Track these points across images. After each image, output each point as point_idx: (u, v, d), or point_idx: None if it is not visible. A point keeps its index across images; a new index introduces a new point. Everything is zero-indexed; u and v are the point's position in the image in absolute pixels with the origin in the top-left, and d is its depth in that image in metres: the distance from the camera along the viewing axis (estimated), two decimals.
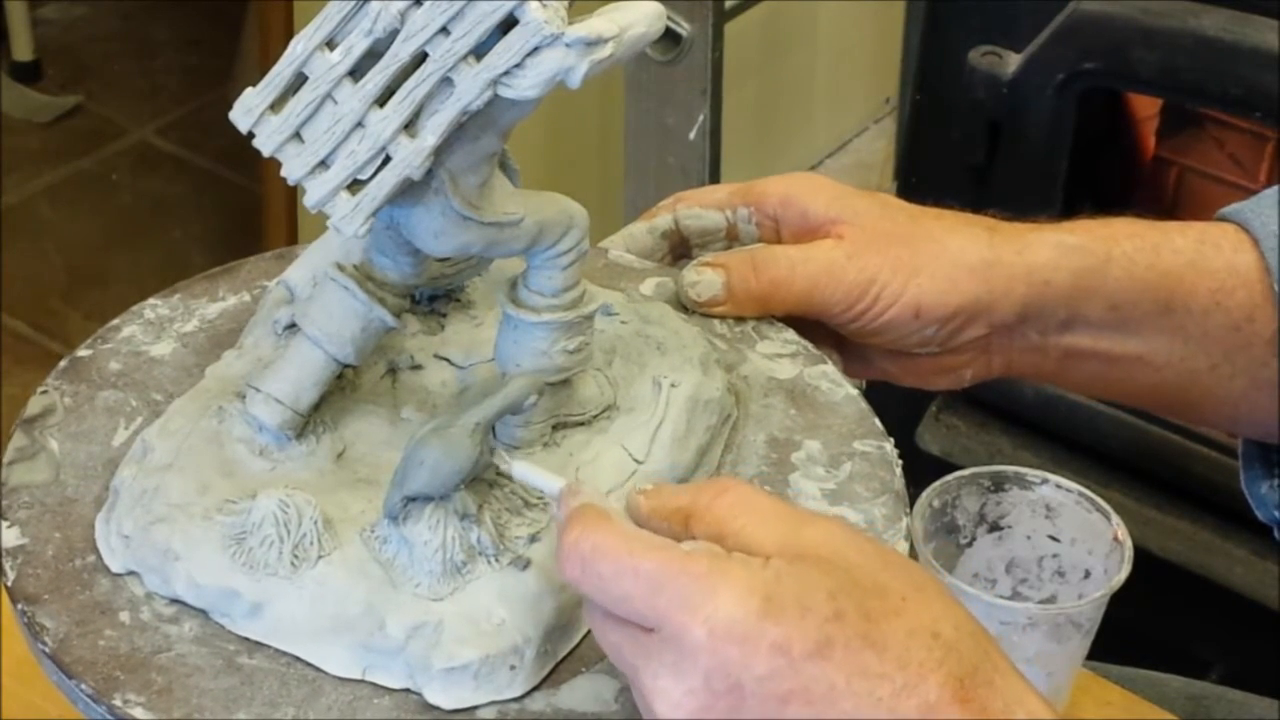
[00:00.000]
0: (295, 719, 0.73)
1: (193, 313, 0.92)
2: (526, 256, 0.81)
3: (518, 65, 0.71)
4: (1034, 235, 0.94)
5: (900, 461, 0.86)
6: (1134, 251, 0.94)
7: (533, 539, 0.77)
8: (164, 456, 0.81)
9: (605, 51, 0.72)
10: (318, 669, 0.75)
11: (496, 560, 0.76)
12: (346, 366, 0.82)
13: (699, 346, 0.88)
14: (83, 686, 0.74)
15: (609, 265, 0.96)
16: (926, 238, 0.93)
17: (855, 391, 0.89)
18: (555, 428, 0.84)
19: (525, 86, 0.72)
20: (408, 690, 0.75)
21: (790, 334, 0.93)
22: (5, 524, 0.81)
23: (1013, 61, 1.65)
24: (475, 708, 0.74)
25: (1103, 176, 1.76)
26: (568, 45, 0.71)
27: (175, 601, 0.77)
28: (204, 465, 0.80)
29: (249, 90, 0.75)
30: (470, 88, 0.72)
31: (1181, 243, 0.94)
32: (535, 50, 0.71)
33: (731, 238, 0.97)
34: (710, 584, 0.66)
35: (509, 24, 0.72)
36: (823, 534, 0.70)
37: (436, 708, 0.74)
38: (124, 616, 0.77)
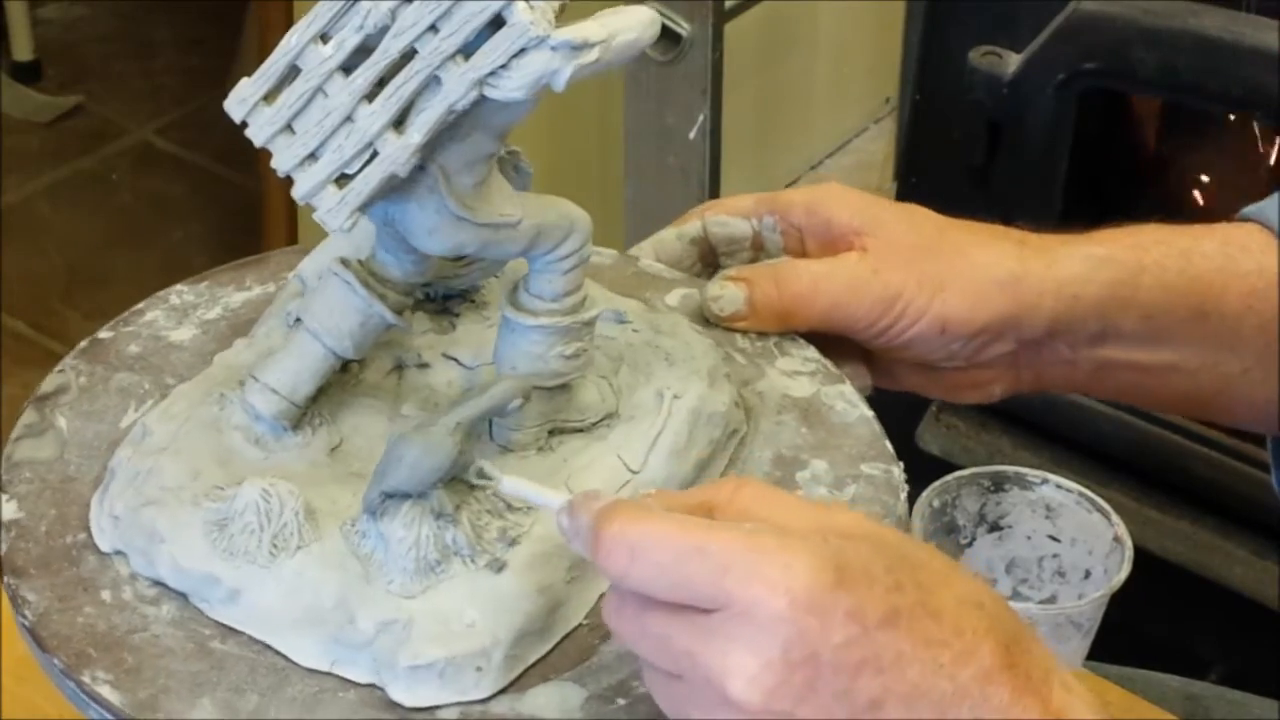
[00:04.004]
0: (257, 707, 0.73)
1: (217, 300, 0.93)
2: (528, 260, 0.81)
3: (504, 66, 0.71)
4: (1064, 249, 0.93)
5: (906, 486, 0.85)
6: (1164, 259, 0.93)
7: (511, 543, 0.77)
8: (161, 440, 0.81)
9: (591, 56, 0.72)
10: (288, 659, 0.76)
11: (472, 561, 0.76)
12: (348, 361, 0.82)
13: (709, 359, 0.87)
14: (55, 661, 0.75)
15: (638, 273, 0.95)
16: (953, 251, 0.92)
17: (870, 413, 0.88)
18: (552, 433, 0.83)
19: (511, 88, 0.72)
20: (373, 685, 0.75)
21: (811, 352, 0.92)
22: (4, 498, 0.81)
23: (1013, 61, 1.65)
24: (438, 707, 0.74)
25: (1103, 176, 1.75)
26: (553, 48, 0.71)
27: (158, 583, 0.78)
28: (199, 451, 0.80)
29: (244, 80, 0.75)
30: (456, 87, 0.72)
31: (1210, 247, 0.93)
32: (521, 52, 0.71)
33: (757, 247, 0.96)
34: (784, 558, 0.66)
35: (499, 24, 0.71)
36: (850, 519, 0.71)
37: (400, 705, 0.74)
38: (105, 595, 0.78)
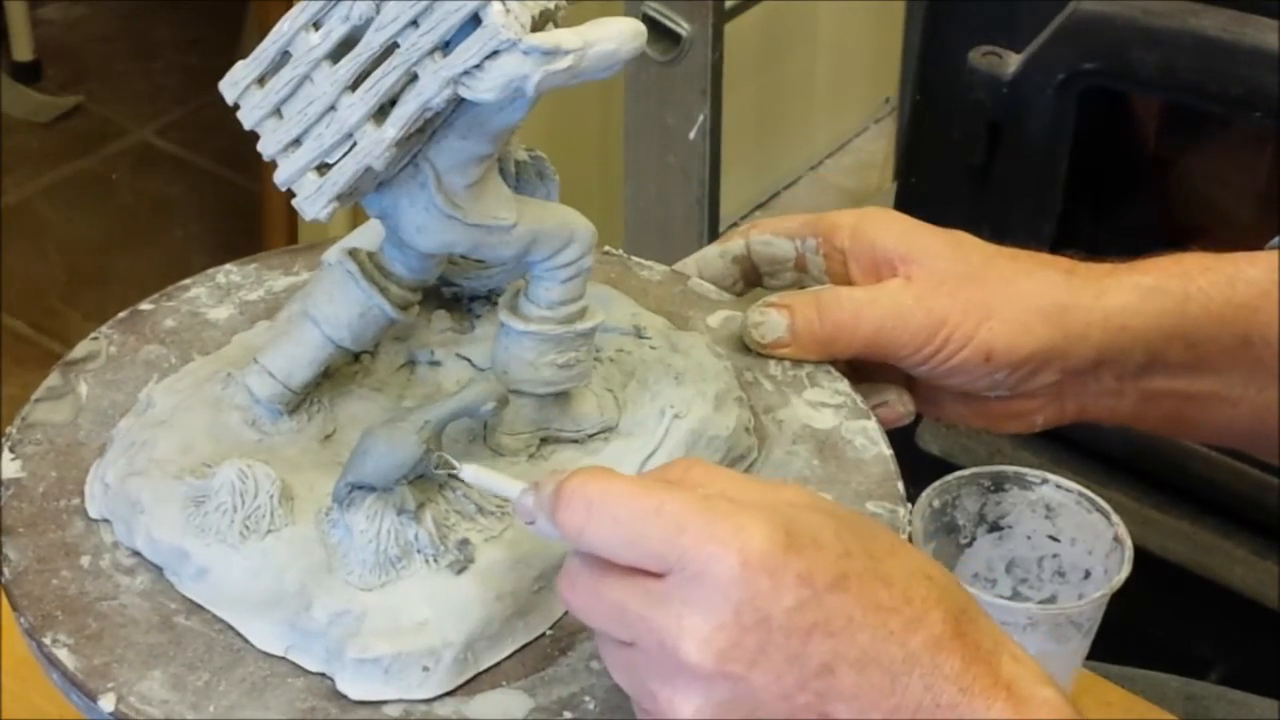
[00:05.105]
0: (206, 685, 0.74)
1: (262, 283, 0.93)
2: (526, 265, 0.81)
3: (477, 66, 0.71)
4: (1111, 279, 0.92)
5: (910, 527, 0.84)
6: (1209, 286, 0.92)
7: (476, 545, 0.77)
8: (162, 412, 0.82)
9: (563, 64, 0.71)
10: (246, 640, 0.76)
11: (435, 561, 0.76)
12: (350, 351, 0.82)
13: (719, 381, 0.85)
14: (22, 620, 0.76)
15: (685, 292, 0.94)
16: (999, 279, 0.91)
17: (889, 452, 0.86)
18: (545, 441, 0.83)
19: (482, 89, 0.71)
20: (324, 675, 0.75)
21: (843, 385, 0.90)
22: (10, 456, 0.82)
23: (1013, 61, 1.65)
24: (382, 703, 0.74)
25: (1103, 176, 1.76)
26: (525, 53, 0.70)
27: (136, 554, 0.79)
28: (195, 427, 0.81)
29: (239, 63, 0.75)
30: (431, 84, 0.72)
31: (1254, 273, 0.93)
32: (494, 54, 0.71)
33: (800, 268, 0.95)
34: (738, 520, 0.67)
35: (479, 25, 0.71)
36: (800, 493, 0.72)
37: (345, 697, 0.74)
38: (84, 561, 0.78)
